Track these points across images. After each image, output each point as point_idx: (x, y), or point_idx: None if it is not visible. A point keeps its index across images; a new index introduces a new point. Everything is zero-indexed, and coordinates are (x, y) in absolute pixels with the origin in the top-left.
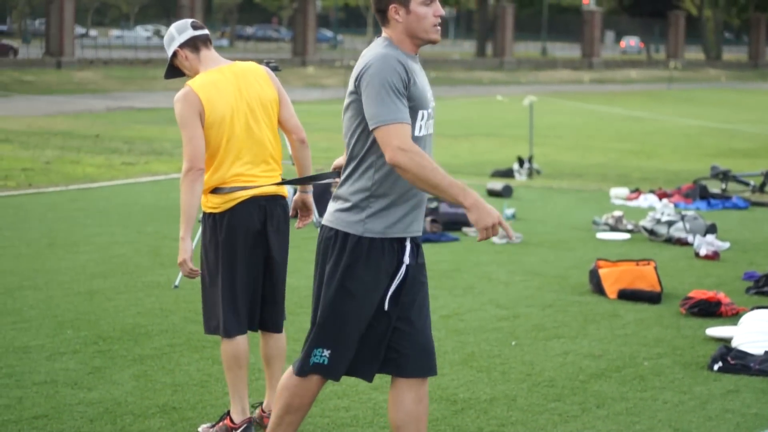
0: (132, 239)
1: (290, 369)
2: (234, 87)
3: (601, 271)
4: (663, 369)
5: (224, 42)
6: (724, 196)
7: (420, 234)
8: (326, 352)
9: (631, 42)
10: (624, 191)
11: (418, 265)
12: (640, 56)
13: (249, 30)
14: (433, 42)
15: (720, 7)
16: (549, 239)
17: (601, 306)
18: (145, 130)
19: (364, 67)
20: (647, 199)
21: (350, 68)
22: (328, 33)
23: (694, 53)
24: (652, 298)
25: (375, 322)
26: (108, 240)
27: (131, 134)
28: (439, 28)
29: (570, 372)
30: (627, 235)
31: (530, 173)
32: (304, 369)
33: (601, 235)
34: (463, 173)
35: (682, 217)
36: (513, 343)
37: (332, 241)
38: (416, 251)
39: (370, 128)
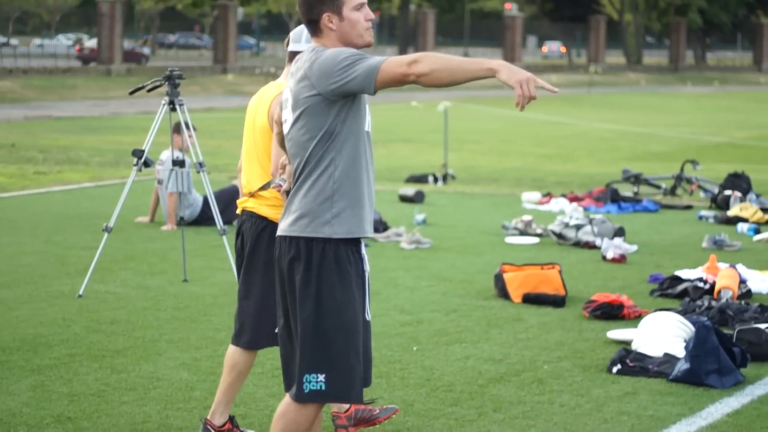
0: (39, 249)
1: (287, 396)
2: (252, 107)
3: (505, 276)
4: (562, 372)
5: (146, 50)
6: (635, 200)
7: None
8: (321, 377)
9: (553, 47)
10: (536, 195)
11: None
12: (562, 61)
13: (171, 38)
14: (367, 45)
15: (640, 11)
16: (458, 244)
17: (506, 310)
18: (62, 139)
19: (310, 65)
20: (558, 203)
21: (271, 75)
22: (251, 40)
23: (615, 57)
24: (556, 301)
25: (363, 333)
26: (15, 250)
27: (48, 143)
28: (371, 30)
29: (469, 376)
30: (536, 240)
31: (444, 179)
32: (300, 396)
33: (509, 240)
34: (379, 179)
35: (590, 221)
36: (414, 348)
37: (296, 259)
38: (366, 258)
39: (372, 87)
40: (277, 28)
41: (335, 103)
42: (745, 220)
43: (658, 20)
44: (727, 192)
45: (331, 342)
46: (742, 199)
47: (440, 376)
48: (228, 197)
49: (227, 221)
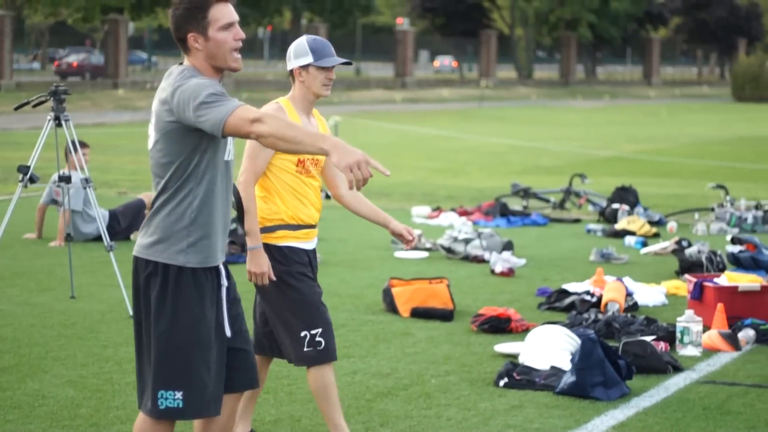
0: None
1: (141, 413)
2: None
3: (394, 290)
4: (450, 386)
5: (36, 65)
6: (524, 213)
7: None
8: (178, 395)
9: (444, 61)
10: (426, 210)
11: (231, 284)
12: (454, 75)
13: (62, 52)
14: (233, 70)
15: (531, 26)
16: (348, 259)
17: (394, 325)
18: None
19: (173, 90)
20: (448, 218)
21: None
22: (143, 55)
23: (507, 72)
24: (444, 315)
25: (217, 349)
26: None
27: None
28: (238, 55)
29: (357, 391)
30: (425, 254)
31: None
32: (155, 413)
33: (399, 254)
34: None
35: (479, 235)
36: None
37: (153, 275)
38: (227, 272)
39: (220, 135)
40: (168, 42)
41: (194, 133)
42: (632, 234)
43: (549, 35)
44: (615, 205)
45: (187, 358)
46: (630, 213)
47: None
48: (134, 211)
49: (128, 237)
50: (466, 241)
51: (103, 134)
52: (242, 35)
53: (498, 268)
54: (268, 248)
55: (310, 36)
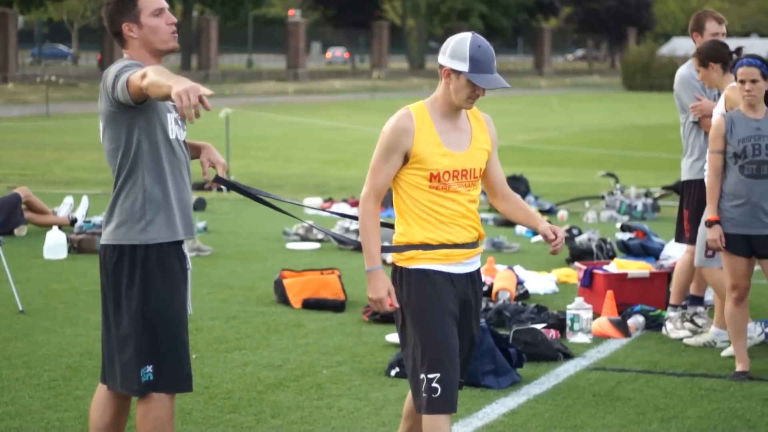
0: None
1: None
2: None
3: (285, 282)
4: (341, 376)
5: None
6: None
7: (193, 236)
8: (149, 368)
9: (337, 53)
10: (318, 201)
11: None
12: (346, 67)
13: None
14: (172, 50)
15: (422, 16)
16: (239, 251)
17: (285, 316)
18: None
19: (103, 77)
20: (340, 208)
21: (52, 84)
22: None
23: (399, 63)
24: (335, 306)
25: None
26: None
27: None
28: (175, 35)
29: (248, 383)
30: (317, 245)
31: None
32: (140, 390)
33: (291, 246)
34: None
35: None
36: (194, 356)
37: (120, 260)
38: (188, 257)
39: (130, 99)
40: (59, 35)
41: (127, 113)
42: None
43: (441, 25)
44: None
45: (157, 335)
46: None
47: (219, 383)
48: (10, 205)
49: (9, 231)
50: (357, 232)
51: None
52: (174, 19)
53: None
54: (398, 272)
55: (476, 39)
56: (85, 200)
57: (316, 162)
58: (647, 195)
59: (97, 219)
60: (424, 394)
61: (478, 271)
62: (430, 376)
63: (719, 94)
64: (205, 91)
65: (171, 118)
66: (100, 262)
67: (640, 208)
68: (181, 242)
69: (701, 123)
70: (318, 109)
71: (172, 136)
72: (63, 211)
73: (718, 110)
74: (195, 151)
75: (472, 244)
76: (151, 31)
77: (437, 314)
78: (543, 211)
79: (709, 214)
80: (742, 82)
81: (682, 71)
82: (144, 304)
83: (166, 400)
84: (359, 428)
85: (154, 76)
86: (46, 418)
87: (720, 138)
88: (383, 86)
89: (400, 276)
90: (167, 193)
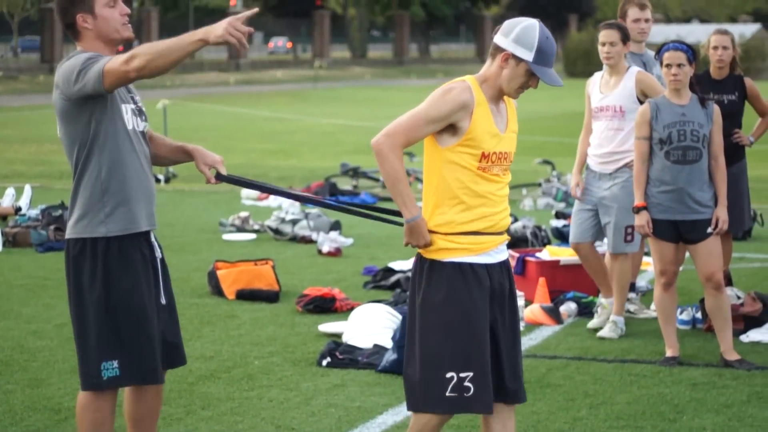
0: None
1: (81, 392)
2: None
3: (219, 273)
4: (272, 367)
5: None
6: (353, 193)
7: (155, 227)
8: (115, 363)
9: (279, 42)
10: (255, 192)
11: (163, 258)
12: (289, 56)
13: None
14: (127, 40)
15: (363, 5)
16: (175, 242)
17: (219, 308)
18: None
19: (57, 73)
20: (277, 199)
21: None
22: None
23: (341, 52)
24: (269, 297)
25: (155, 317)
26: None
27: None
28: (129, 25)
29: (179, 375)
30: (253, 236)
31: (168, 179)
32: (99, 384)
33: (227, 237)
34: None
35: (306, 215)
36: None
37: (81, 252)
38: (159, 245)
39: (104, 89)
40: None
41: (85, 107)
42: None
43: (382, 14)
44: None
45: (121, 328)
46: None
47: None
48: None
49: None
50: (294, 222)
51: None
52: (127, 10)
53: (325, 248)
54: (426, 263)
55: (544, 30)
56: (27, 189)
57: (255, 152)
58: None
59: (32, 212)
60: (451, 393)
61: (507, 259)
62: (463, 374)
63: (646, 71)
64: (240, 16)
65: (128, 108)
66: (65, 255)
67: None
68: (146, 233)
69: None
70: (259, 99)
71: (129, 126)
72: (6, 201)
73: (627, 94)
74: (186, 156)
75: (504, 231)
76: (105, 21)
77: (471, 312)
78: None
79: (636, 200)
80: (668, 66)
81: None
82: (106, 297)
83: (111, 394)
84: (289, 418)
85: (151, 50)
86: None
87: (645, 124)
88: (325, 76)
89: (430, 268)
90: (127, 185)
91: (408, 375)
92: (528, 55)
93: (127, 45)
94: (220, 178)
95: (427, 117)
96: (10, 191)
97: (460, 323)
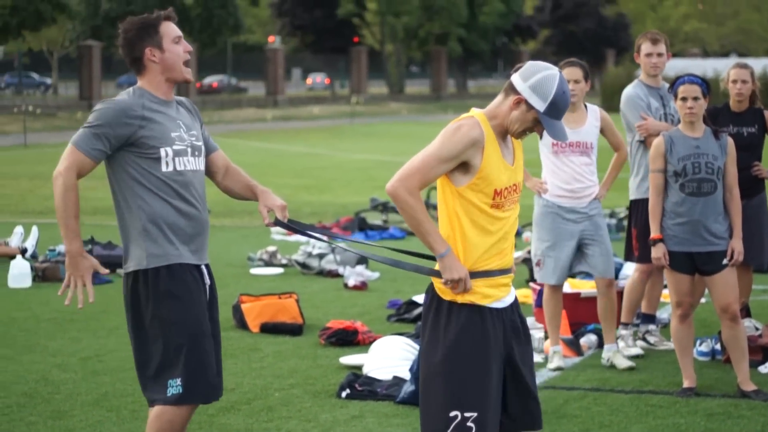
0: None
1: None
2: None
3: (243, 306)
4: (293, 399)
5: None
6: (382, 227)
7: (207, 261)
8: (179, 381)
9: (317, 78)
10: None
11: (214, 288)
12: (327, 92)
13: None
14: (186, 82)
15: (400, 41)
16: None
17: (243, 340)
18: None
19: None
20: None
21: (30, 113)
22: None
23: (379, 88)
24: (293, 330)
25: (211, 336)
26: None
27: None
28: (188, 68)
29: (200, 408)
30: (280, 270)
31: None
32: (166, 400)
33: (254, 271)
34: None
35: (333, 250)
36: None
37: (134, 284)
38: (209, 274)
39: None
40: (40, 65)
41: (118, 149)
42: None
43: (419, 50)
44: None
45: (181, 346)
46: None
47: None
48: None
49: None
50: (321, 256)
51: None
52: (190, 48)
53: (351, 282)
54: (443, 304)
55: (563, 84)
56: (34, 230)
57: (289, 188)
58: (612, 215)
59: (61, 248)
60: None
61: (515, 297)
62: (467, 414)
63: (663, 104)
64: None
65: (169, 151)
66: (123, 289)
67: None
68: (196, 265)
69: (647, 142)
70: (296, 135)
71: (168, 168)
72: (14, 241)
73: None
74: (254, 196)
75: (511, 267)
76: (172, 57)
77: (483, 354)
78: None
79: (652, 232)
80: (684, 99)
81: (627, 91)
82: (163, 319)
83: (185, 408)
84: None
85: (62, 202)
86: None
87: (660, 157)
88: (362, 111)
89: (449, 309)
90: (169, 222)
91: (421, 410)
92: (541, 106)
93: (184, 85)
94: (277, 224)
95: (439, 157)
96: (18, 230)
97: (469, 364)
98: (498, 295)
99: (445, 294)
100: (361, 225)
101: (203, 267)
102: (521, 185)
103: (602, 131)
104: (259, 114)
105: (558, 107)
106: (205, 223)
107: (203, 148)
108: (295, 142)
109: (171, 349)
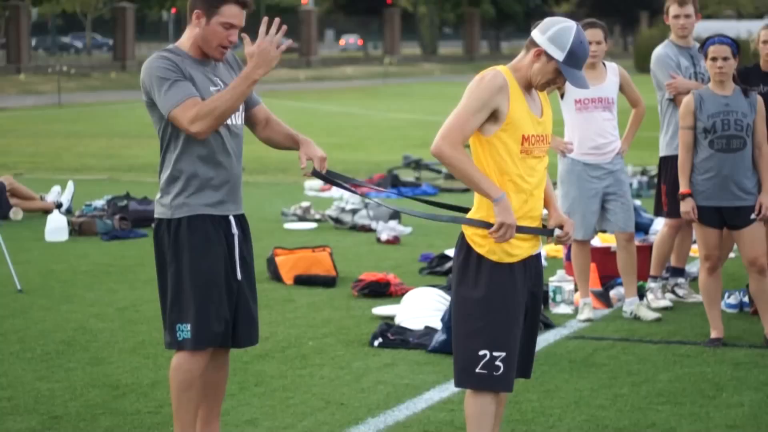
0: None
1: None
2: None
3: (277, 259)
4: (326, 347)
5: None
6: (414, 184)
7: (240, 212)
8: (187, 326)
9: (350, 40)
10: (318, 183)
11: (246, 236)
12: (359, 53)
13: None
14: (215, 59)
15: (433, 3)
16: None
17: (277, 292)
18: None
19: (145, 67)
20: (339, 190)
21: (64, 74)
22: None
23: (412, 49)
24: (326, 282)
25: (228, 290)
26: None
27: None
28: (224, 50)
29: (235, 355)
30: (314, 225)
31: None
32: (174, 344)
33: (288, 226)
34: None
35: (366, 205)
36: None
37: (160, 229)
38: (241, 225)
39: (166, 117)
40: (74, 27)
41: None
42: None
43: (452, 11)
44: None
45: (193, 295)
46: None
47: None
48: None
49: (2, 217)
50: (354, 212)
51: (5, 118)
52: (235, 40)
53: (384, 237)
54: (472, 253)
55: (580, 34)
56: (70, 185)
57: (322, 146)
58: (643, 173)
59: (98, 203)
60: (481, 370)
61: (540, 251)
62: (496, 353)
63: (693, 64)
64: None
65: (211, 88)
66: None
67: (636, 185)
68: (223, 216)
69: (676, 100)
70: (329, 95)
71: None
72: (51, 197)
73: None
74: (296, 144)
75: (549, 231)
76: (211, 35)
77: (511, 299)
78: None
79: (681, 187)
80: (714, 59)
81: (657, 51)
82: (180, 267)
83: (199, 356)
84: (339, 394)
85: (214, 113)
86: (36, 388)
87: (690, 114)
88: (395, 72)
89: (478, 260)
90: (206, 173)
91: (455, 352)
92: (559, 55)
93: None
94: (314, 174)
95: (472, 108)
96: (55, 188)
97: (499, 307)
98: (524, 255)
99: (477, 246)
100: (393, 182)
101: (231, 218)
102: (549, 137)
103: (621, 88)
104: (292, 74)
105: (576, 56)
106: (236, 176)
107: (242, 103)
108: (329, 102)
109: (183, 295)
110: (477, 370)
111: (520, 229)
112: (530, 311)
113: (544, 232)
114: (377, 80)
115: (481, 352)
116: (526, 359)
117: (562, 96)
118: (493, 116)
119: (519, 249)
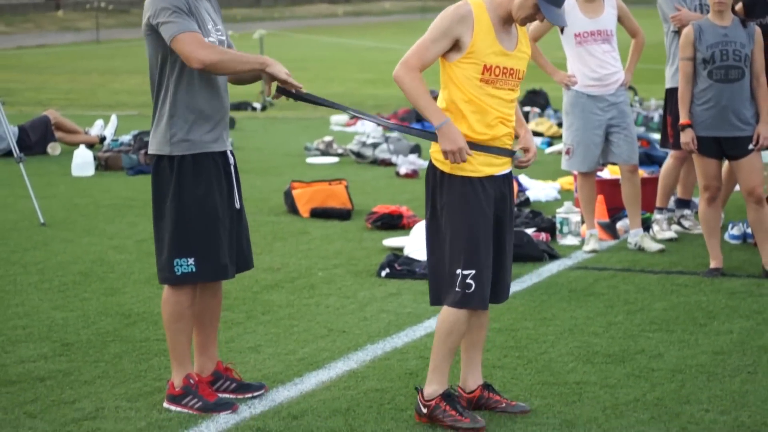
0: None
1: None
2: None
3: (294, 192)
4: (335, 278)
5: None
6: None
7: (230, 148)
8: (191, 260)
9: None
10: (344, 117)
11: (236, 165)
12: None
13: None
14: None
15: None
16: (260, 166)
17: (293, 225)
18: None
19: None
20: (365, 125)
21: (102, 9)
22: None
23: None
24: (342, 214)
25: (229, 221)
26: None
27: None
28: None
29: (245, 285)
30: (335, 159)
31: (264, 108)
32: (171, 279)
33: (310, 160)
34: None
35: (386, 139)
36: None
37: (158, 165)
38: (232, 154)
39: (168, 44)
40: None
41: (160, 35)
42: (540, 134)
43: None
44: (526, 108)
45: (195, 230)
46: (541, 115)
47: None
48: (42, 126)
49: (43, 151)
50: (375, 146)
51: (44, 54)
52: None
53: (402, 170)
54: (439, 173)
55: None
56: (113, 118)
57: (354, 82)
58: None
59: (125, 138)
60: (457, 289)
61: (510, 171)
62: (466, 272)
63: (701, 5)
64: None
65: (209, 25)
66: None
67: (656, 119)
68: (221, 152)
69: (681, 33)
70: (366, 30)
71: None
72: (94, 131)
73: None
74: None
75: (510, 152)
76: None
77: (477, 215)
78: (560, 124)
79: (681, 118)
80: None
81: None
82: (182, 203)
83: (188, 289)
84: (342, 322)
85: (223, 54)
86: (51, 317)
87: (689, 45)
88: (434, 6)
89: (441, 178)
90: (197, 108)
91: (429, 272)
92: None
93: None
94: (280, 91)
95: (432, 37)
96: (98, 122)
97: (466, 226)
98: (489, 172)
99: (443, 165)
100: (418, 116)
101: (228, 152)
102: (521, 74)
103: (619, 19)
104: (331, 9)
105: None
106: (227, 111)
107: (226, 43)
108: (365, 37)
109: (186, 232)
110: (449, 288)
111: (481, 148)
112: (496, 235)
113: (503, 152)
114: (416, 15)
115: (457, 272)
116: (495, 285)
117: (561, 30)
118: (456, 45)
119: (486, 166)
